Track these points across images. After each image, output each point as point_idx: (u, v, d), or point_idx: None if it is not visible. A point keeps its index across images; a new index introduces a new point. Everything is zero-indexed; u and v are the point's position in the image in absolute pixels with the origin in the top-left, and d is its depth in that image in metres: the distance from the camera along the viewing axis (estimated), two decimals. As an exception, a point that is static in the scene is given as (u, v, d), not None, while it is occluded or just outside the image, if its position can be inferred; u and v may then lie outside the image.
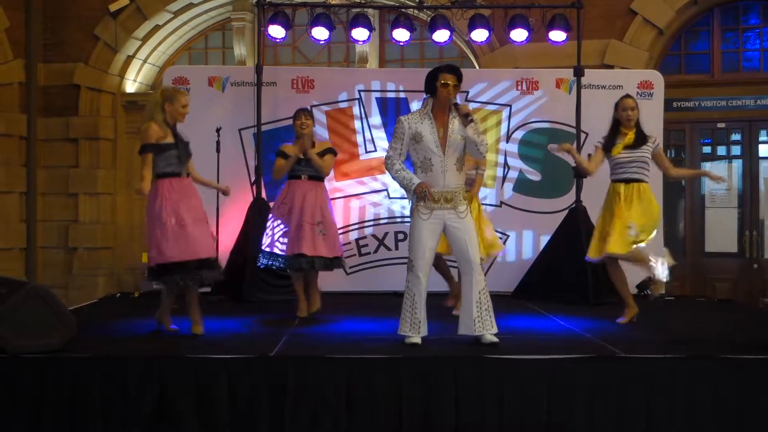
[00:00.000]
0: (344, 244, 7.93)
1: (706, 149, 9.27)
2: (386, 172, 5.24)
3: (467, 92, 7.99)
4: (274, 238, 5.98)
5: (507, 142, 8.10)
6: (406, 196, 5.30)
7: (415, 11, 8.83)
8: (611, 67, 8.81)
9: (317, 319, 5.94)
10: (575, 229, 7.19)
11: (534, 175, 8.09)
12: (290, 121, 6.17)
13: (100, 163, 9.56)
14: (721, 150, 9.24)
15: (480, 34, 7.86)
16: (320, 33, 7.70)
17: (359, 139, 8.11)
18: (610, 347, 4.67)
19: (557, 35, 7.70)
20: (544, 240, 7.80)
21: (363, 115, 8.11)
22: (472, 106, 8.00)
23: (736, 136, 9.13)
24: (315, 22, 7.64)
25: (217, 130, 7.50)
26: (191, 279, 4.98)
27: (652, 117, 7.18)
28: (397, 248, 7.96)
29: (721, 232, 9.03)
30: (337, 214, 7.83)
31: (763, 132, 9.08)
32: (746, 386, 4.31)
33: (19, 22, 9.40)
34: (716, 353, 4.49)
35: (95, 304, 7.14)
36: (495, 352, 4.52)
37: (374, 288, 7.82)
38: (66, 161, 9.56)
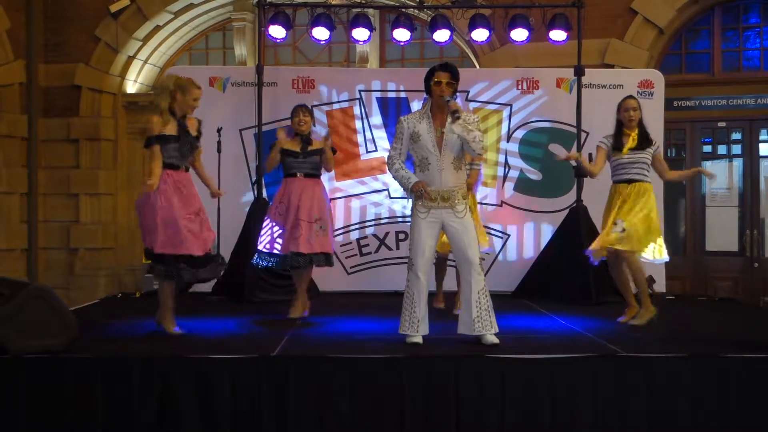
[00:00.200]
0: (345, 244, 7.98)
1: (707, 148, 9.27)
2: (387, 171, 5.28)
3: (467, 92, 7.99)
4: (273, 237, 5.98)
5: (507, 141, 8.10)
6: (405, 195, 5.31)
7: (416, 11, 8.84)
8: (612, 66, 8.80)
9: (317, 322, 5.92)
10: (576, 228, 7.18)
11: (535, 175, 8.09)
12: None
13: (101, 163, 9.57)
14: (722, 149, 9.24)
15: (480, 34, 7.86)
16: (321, 33, 7.71)
17: (360, 139, 8.12)
18: (611, 346, 4.67)
19: (558, 35, 7.70)
20: (545, 239, 7.82)
21: (364, 115, 8.11)
22: (472, 105, 8.02)
23: (736, 135, 9.13)
24: (315, 22, 7.64)
25: (218, 131, 7.52)
26: (174, 273, 4.93)
27: (652, 116, 7.17)
28: (398, 248, 7.97)
29: (722, 231, 9.02)
30: (338, 213, 7.88)
31: (763, 131, 9.07)
32: (747, 385, 4.31)
33: (20, 23, 9.40)
34: (717, 352, 4.49)
35: (97, 304, 7.14)
36: (496, 352, 4.53)
37: (375, 288, 7.83)
38: (67, 162, 9.56)
